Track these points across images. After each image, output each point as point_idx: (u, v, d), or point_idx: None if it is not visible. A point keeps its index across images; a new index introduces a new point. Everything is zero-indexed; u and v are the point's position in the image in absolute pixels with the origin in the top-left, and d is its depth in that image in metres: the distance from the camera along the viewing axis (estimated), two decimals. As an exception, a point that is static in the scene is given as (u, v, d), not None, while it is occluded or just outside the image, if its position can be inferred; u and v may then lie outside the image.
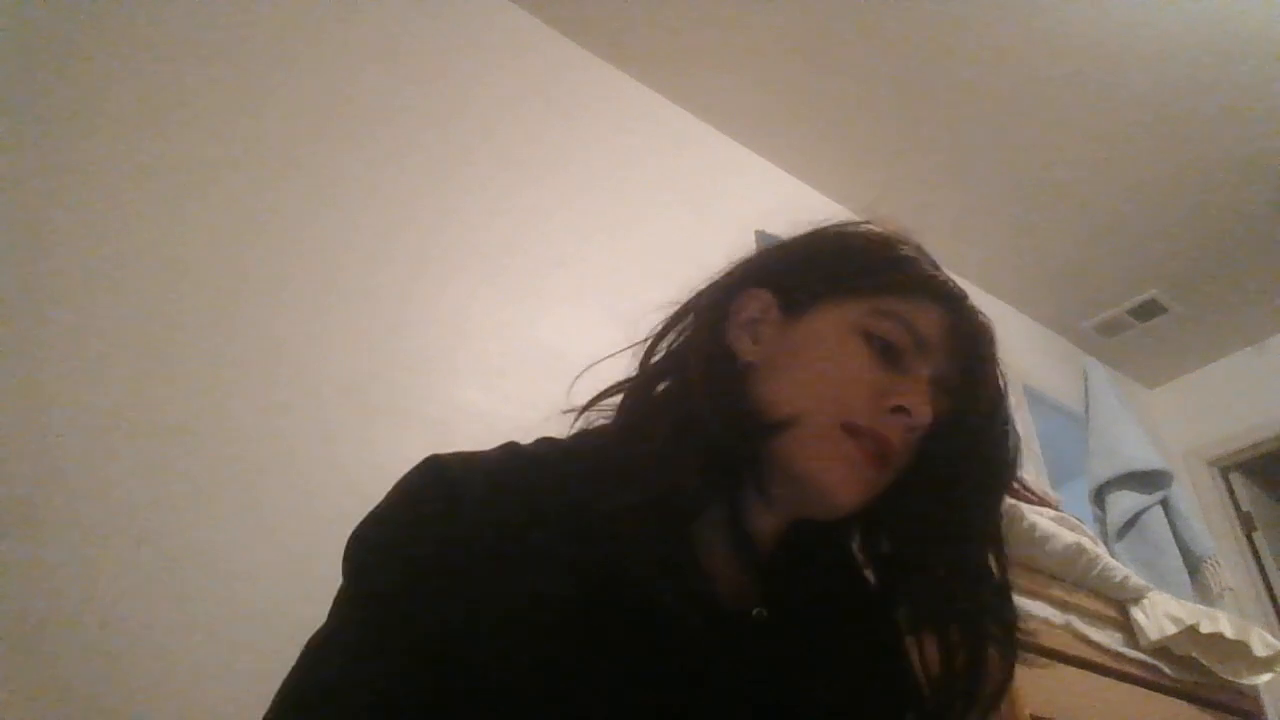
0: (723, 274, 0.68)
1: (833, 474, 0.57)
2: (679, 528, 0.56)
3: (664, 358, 0.65)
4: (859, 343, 0.60)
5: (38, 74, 1.33)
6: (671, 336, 0.66)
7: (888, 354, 0.60)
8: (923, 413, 0.58)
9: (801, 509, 0.61)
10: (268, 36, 1.64)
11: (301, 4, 1.71)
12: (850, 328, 0.61)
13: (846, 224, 0.68)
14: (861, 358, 0.60)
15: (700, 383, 0.59)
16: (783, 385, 0.60)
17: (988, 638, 0.61)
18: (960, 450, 0.62)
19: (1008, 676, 0.62)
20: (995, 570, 0.64)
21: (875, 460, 0.58)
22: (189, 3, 1.55)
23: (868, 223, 0.68)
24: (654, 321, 0.68)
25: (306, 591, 1.14)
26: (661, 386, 0.63)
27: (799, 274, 0.65)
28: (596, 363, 0.67)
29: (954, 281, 0.64)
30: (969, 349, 0.63)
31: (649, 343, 0.66)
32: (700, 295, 0.67)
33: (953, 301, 0.63)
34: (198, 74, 1.51)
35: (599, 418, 0.65)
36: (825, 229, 0.68)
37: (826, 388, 0.59)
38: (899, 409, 0.58)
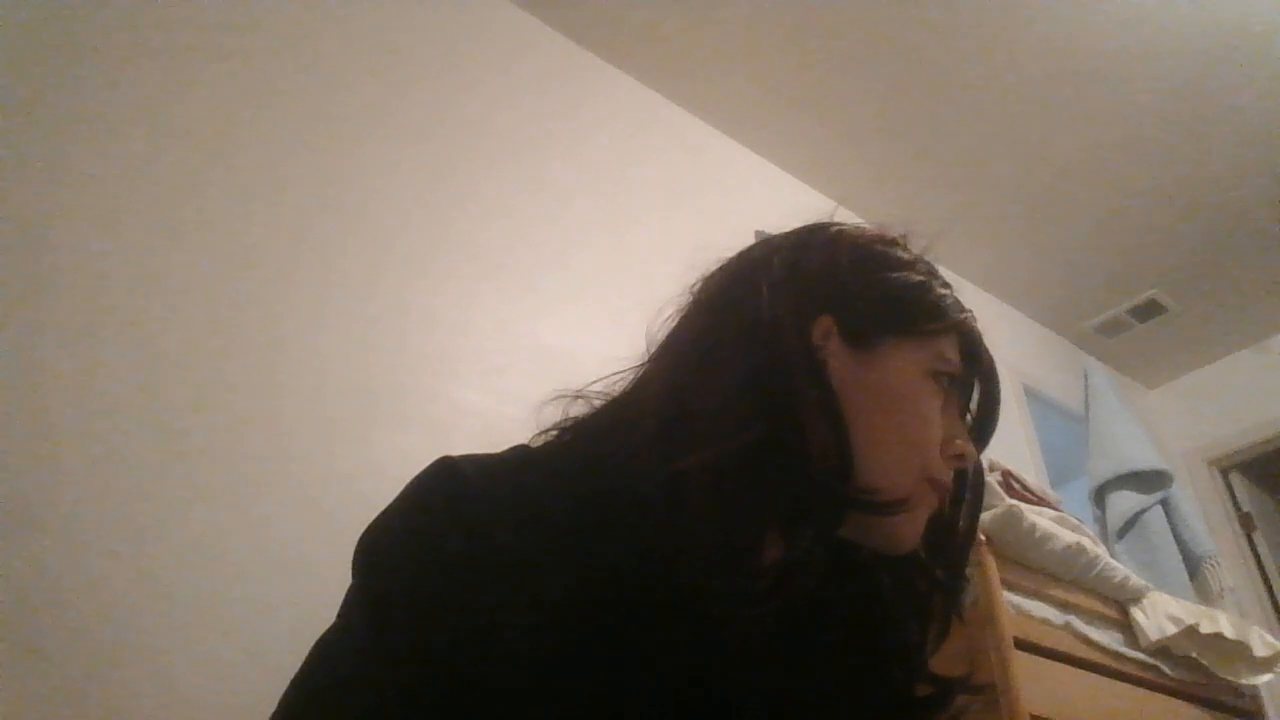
0: (775, 283, 0.61)
1: (913, 526, 0.59)
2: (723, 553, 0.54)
3: (723, 373, 0.58)
4: (931, 390, 0.61)
5: (38, 74, 1.33)
6: (719, 351, 0.59)
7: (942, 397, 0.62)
8: (973, 455, 0.61)
9: (857, 538, 0.60)
10: (267, 37, 1.64)
11: (301, 4, 1.71)
12: (922, 374, 0.61)
13: (892, 245, 0.66)
14: (936, 406, 0.61)
15: (806, 421, 0.55)
16: (879, 446, 0.58)
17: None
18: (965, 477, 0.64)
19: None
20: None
21: (939, 503, 0.61)
22: (189, 3, 1.55)
23: (905, 236, 0.67)
24: (655, 322, 0.66)
25: (307, 591, 1.15)
26: (717, 404, 0.57)
27: (860, 304, 0.61)
28: (617, 374, 0.65)
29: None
30: (991, 388, 0.65)
31: (678, 352, 0.63)
32: (755, 306, 0.60)
33: (978, 341, 0.65)
34: (197, 75, 1.51)
35: (583, 406, 0.63)
36: (871, 249, 0.65)
37: (920, 448, 0.59)
38: (958, 455, 0.60)
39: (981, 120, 2.43)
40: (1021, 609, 1.36)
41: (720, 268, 0.67)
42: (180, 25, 1.52)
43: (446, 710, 0.46)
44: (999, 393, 0.66)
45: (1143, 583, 1.61)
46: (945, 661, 0.63)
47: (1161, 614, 1.58)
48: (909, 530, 0.59)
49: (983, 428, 0.66)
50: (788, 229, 0.68)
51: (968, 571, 0.67)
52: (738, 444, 0.54)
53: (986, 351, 0.65)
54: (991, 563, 1.34)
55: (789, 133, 2.46)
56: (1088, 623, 1.48)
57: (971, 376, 0.64)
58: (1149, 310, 3.12)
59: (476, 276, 1.71)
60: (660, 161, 2.22)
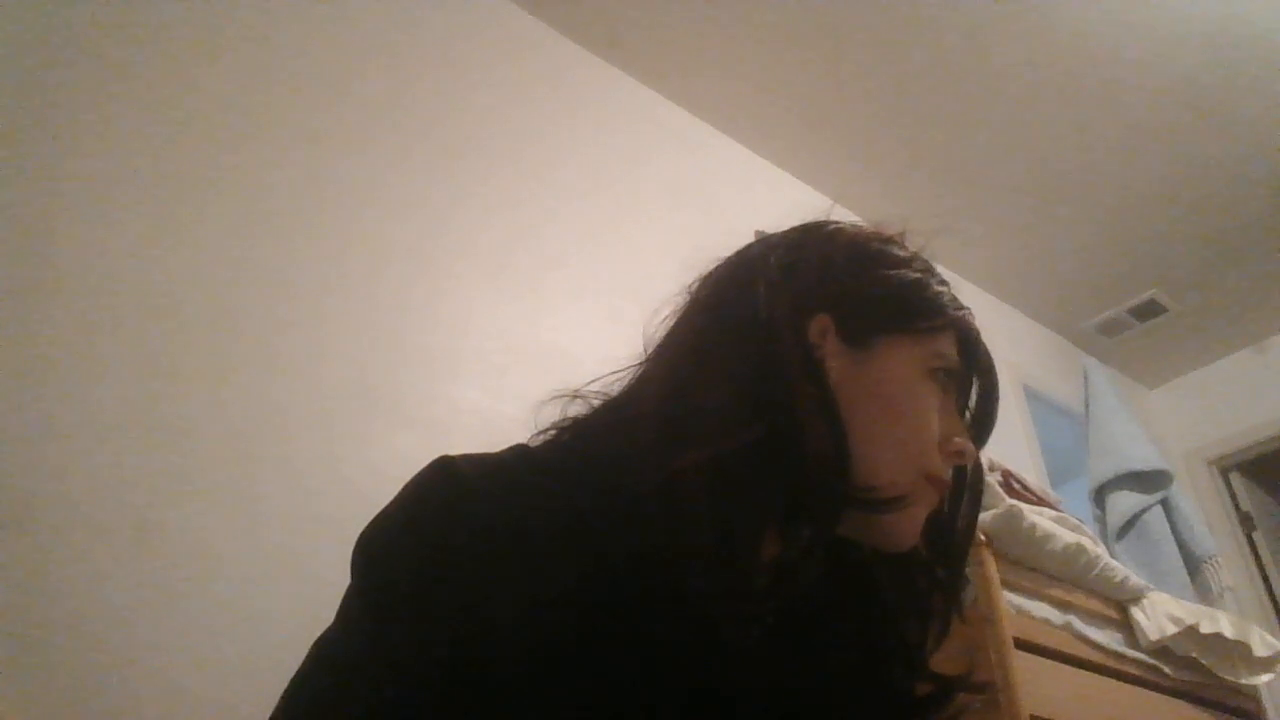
0: (771, 282, 0.61)
1: (912, 523, 0.59)
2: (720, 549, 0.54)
3: (718, 375, 0.58)
4: (929, 388, 0.61)
5: (38, 75, 1.33)
6: (717, 351, 0.59)
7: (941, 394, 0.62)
8: (972, 452, 0.61)
9: (856, 536, 0.60)
10: (267, 37, 1.64)
11: (301, 4, 1.71)
12: (920, 371, 0.61)
13: (888, 243, 0.66)
14: (933, 404, 0.61)
15: (804, 420, 0.55)
16: (877, 444, 0.58)
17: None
18: (964, 474, 0.64)
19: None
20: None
21: (938, 501, 0.61)
22: (189, 3, 1.55)
23: (902, 233, 0.67)
24: (653, 322, 0.66)
25: (306, 590, 1.15)
26: (714, 403, 0.56)
27: (857, 302, 0.61)
28: (616, 373, 0.64)
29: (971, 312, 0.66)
30: (989, 384, 0.65)
31: (675, 352, 0.62)
32: (751, 305, 0.60)
33: (976, 337, 0.65)
34: (196, 75, 1.51)
35: (582, 406, 0.63)
36: (867, 247, 0.65)
37: (918, 445, 0.59)
38: (957, 452, 0.60)
39: (981, 120, 2.43)
40: (1021, 609, 1.36)
41: (717, 267, 0.67)
42: (179, 25, 1.52)
43: (446, 709, 0.46)
44: (997, 390, 0.66)
45: (1143, 583, 1.61)
46: (945, 661, 0.63)
47: (1161, 614, 1.58)
48: (908, 528, 0.59)
49: (981, 425, 0.65)
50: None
51: (967, 570, 0.67)
52: (736, 443, 0.54)
53: (984, 348, 0.65)
54: (991, 563, 1.34)
55: (789, 133, 2.46)
56: (1088, 623, 1.48)
57: (970, 374, 0.64)
58: (1149, 310, 3.12)
59: (476, 276, 1.71)
60: (660, 161, 2.22)
